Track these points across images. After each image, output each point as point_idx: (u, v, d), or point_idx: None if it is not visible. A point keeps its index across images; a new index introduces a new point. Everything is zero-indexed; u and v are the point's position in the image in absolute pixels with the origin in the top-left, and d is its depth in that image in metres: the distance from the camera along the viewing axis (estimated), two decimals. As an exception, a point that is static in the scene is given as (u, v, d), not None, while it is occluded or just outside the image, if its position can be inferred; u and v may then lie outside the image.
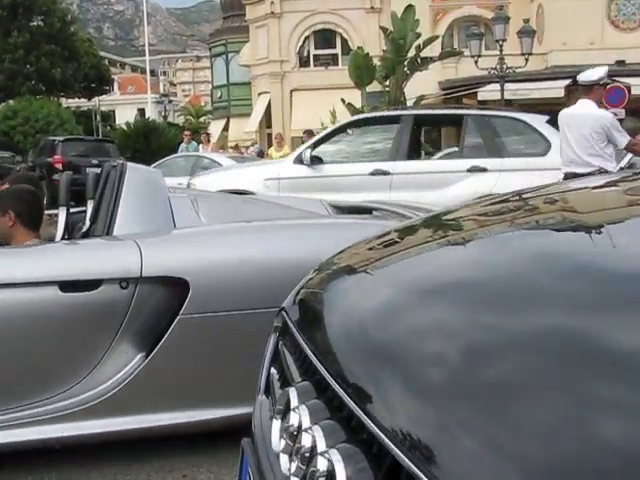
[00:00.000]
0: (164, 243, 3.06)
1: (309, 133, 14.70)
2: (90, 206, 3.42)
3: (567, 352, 0.82)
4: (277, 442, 1.18)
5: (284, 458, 1.11)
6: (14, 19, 38.27)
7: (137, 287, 2.81)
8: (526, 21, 18.63)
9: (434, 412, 0.85)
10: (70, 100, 46.16)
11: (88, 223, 3.37)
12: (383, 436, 0.86)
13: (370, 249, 1.66)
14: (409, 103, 20.85)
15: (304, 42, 31.48)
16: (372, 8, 29.60)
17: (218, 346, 2.90)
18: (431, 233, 1.70)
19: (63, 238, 3.44)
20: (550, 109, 24.93)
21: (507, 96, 18.41)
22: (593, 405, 0.73)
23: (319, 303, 1.42)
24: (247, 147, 23.70)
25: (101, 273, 2.79)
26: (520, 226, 1.46)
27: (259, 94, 32.67)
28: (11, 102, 35.55)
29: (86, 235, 3.29)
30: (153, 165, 15.16)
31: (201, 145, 17.80)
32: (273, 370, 1.52)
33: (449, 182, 7.31)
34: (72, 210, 3.72)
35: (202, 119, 52.94)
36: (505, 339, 0.92)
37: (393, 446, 0.83)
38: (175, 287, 2.83)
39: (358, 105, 20.21)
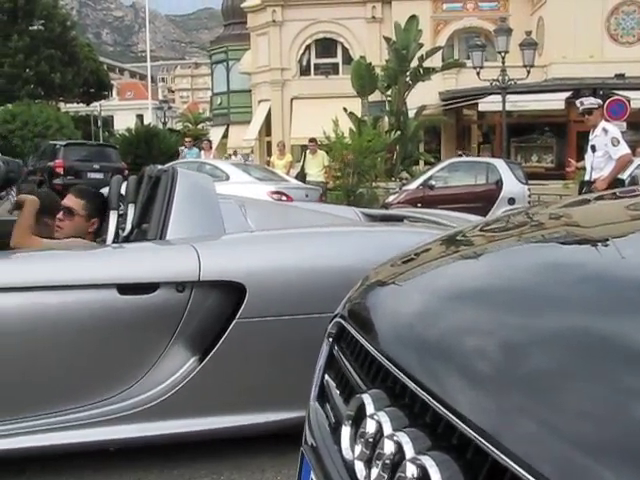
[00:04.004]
0: (221, 247, 3.07)
1: (314, 141, 14.70)
2: (131, 210, 3.43)
3: (588, 346, 0.90)
4: (348, 449, 1.18)
5: (359, 465, 1.10)
6: (14, 23, 38.19)
7: (193, 291, 2.82)
8: (528, 33, 18.72)
9: (536, 411, 0.85)
10: (69, 105, 46.11)
11: (130, 226, 3.39)
12: (481, 439, 0.86)
13: (418, 257, 1.67)
14: (410, 113, 20.96)
15: (305, 50, 31.56)
16: (373, 18, 29.70)
17: (273, 350, 2.91)
18: (470, 244, 1.72)
19: (113, 241, 3.45)
20: (549, 121, 25.15)
21: (508, 107, 18.48)
22: (623, 391, 0.79)
23: (381, 309, 1.41)
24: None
25: (159, 276, 2.79)
26: (543, 239, 1.51)
27: (259, 102, 32.73)
28: (10, 106, 35.42)
29: (127, 239, 3.32)
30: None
31: (203, 152, 17.81)
32: (327, 377, 1.53)
33: None
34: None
35: (200, 126, 52.95)
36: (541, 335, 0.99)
37: (494, 449, 0.83)
38: (231, 291, 2.85)
39: (359, 114, 20.28)
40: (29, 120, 32.17)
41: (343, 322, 1.49)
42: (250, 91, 33.89)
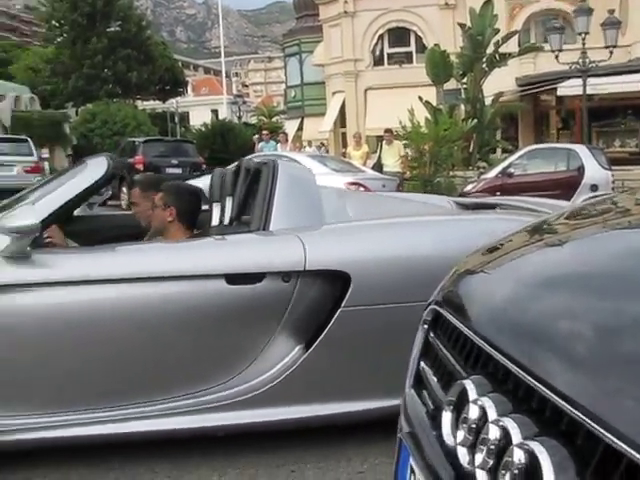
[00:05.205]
0: (325, 237, 3.14)
1: (389, 131, 14.64)
2: (229, 202, 3.56)
3: None
4: (449, 434, 1.18)
5: (462, 450, 1.11)
6: (93, 26, 39.27)
7: (298, 280, 2.91)
8: (611, 12, 18.11)
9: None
10: (145, 102, 47.13)
11: (228, 218, 3.51)
12: (593, 423, 0.84)
13: (510, 244, 1.65)
14: (487, 100, 20.63)
15: (378, 40, 31.40)
16: (446, 4, 29.30)
17: (377, 338, 2.96)
18: (559, 231, 1.70)
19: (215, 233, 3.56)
20: (633, 103, 24.22)
21: (588, 91, 17.97)
22: None
23: (479, 295, 1.41)
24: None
25: (266, 267, 2.89)
26: (631, 225, 1.48)
27: (333, 93, 32.76)
28: (90, 105, 36.54)
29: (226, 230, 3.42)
30: (234, 164, 15.30)
31: (279, 144, 17.95)
32: (423, 364, 1.53)
33: None
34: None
35: (275, 119, 53.35)
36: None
37: (607, 433, 0.81)
38: (335, 280, 2.91)
39: (434, 103, 20.07)
40: (108, 118, 33.13)
41: (439, 309, 1.49)
42: (324, 83, 33.95)
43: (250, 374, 2.91)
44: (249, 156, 14.37)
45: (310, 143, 26.56)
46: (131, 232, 3.79)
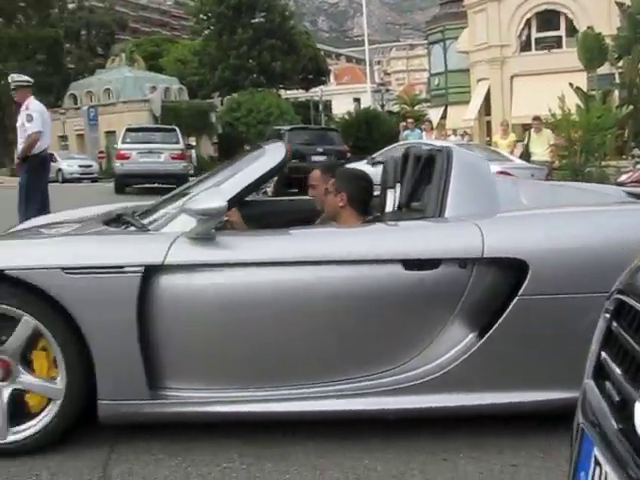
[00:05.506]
0: (503, 224, 3.12)
1: (538, 119, 14.20)
2: (397, 188, 3.62)
3: None
4: (642, 426, 1.15)
5: (658, 444, 1.08)
6: (239, 17, 40.47)
7: (475, 267, 2.92)
8: None
9: None
10: (288, 92, 48.06)
11: (397, 204, 3.57)
12: None
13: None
14: (644, 85, 19.64)
15: (525, 25, 30.56)
16: (601, -16, 28.08)
17: (553, 329, 2.91)
18: None
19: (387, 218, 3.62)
20: None
21: None
22: None
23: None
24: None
25: (444, 253, 2.91)
26: None
27: (478, 81, 32.20)
28: (235, 95, 37.71)
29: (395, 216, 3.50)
30: (379, 152, 15.39)
31: (424, 132, 17.82)
32: (604, 354, 1.49)
33: None
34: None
35: (417, 107, 53.00)
36: None
37: None
38: (512, 268, 2.90)
39: (585, 89, 19.32)
40: (253, 107, 34.18)
41: (624, 298, 1.44)
42: (468, 70, 33.41)
43: (423, 360, 2.93)
44: (395, 144, 14.35)
45: (455, 131, 26.27)
46: (299, 217, 3.89)
